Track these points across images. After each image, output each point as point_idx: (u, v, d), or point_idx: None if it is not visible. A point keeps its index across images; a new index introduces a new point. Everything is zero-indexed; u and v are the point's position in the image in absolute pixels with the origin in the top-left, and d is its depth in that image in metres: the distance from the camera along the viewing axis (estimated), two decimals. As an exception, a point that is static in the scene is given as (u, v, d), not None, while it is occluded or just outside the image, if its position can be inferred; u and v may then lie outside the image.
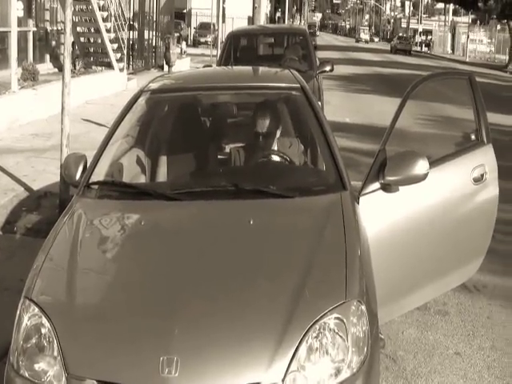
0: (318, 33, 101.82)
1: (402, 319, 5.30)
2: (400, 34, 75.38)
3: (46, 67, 18.37)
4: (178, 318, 2.99)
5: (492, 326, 5.37)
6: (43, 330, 3.03)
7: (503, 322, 5.43)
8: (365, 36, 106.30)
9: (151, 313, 3.06)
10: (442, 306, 5.66)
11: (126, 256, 3.63)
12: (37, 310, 3.11)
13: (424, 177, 4.08)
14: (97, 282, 3.41)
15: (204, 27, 48.55)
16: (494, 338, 5.17)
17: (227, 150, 5.65)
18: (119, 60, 20.19)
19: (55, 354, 2.95)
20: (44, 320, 3.05)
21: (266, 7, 53.87)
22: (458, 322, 5.40)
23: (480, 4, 50.41)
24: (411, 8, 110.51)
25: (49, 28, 19.86)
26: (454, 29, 73.11)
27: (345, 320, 3.02)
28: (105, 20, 19.57)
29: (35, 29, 18.66)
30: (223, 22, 30.48)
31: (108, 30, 19.81)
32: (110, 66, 19.44)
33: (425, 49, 75.18)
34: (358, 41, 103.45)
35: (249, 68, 6.79)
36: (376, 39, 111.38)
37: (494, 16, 52.88)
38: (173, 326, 2.95)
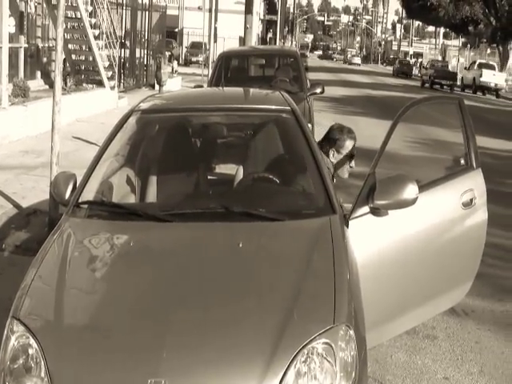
0: (308, 54, 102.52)
1: (391, 343, 5.28)
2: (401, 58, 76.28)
3: (36, 84, 18.37)
4: (166, 340, 2.98)
5: (480, 350, 5.35)
6: (30, 351, 3.01)
7: (492, 347, 5.41)
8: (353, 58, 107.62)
9: (140, 335, 3.05)
10: (431, 330, 5.65)
11: (114, 276, 3.61)
12: (24, 330, 3.08)
13: (413, 201, 4.09)
14: (85, 303, 3.38)
15: (195, 46, 48.69)
16: (483, 362, 5.15)
17: (217, 170, 5.65)
18: (110, 78, 20.18)
19: (42, 374, 2.93)
20: (31, 341, 3.03)
21: (257, 28, 54.24)
22: (447, 347, 5.38)
23: (470, 28, 50.95)
24: (402, 31, 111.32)
25: (40, 44, 19.91)
26: (444, 52, 73.68)
27: (333, 345, 3.01)
28: (96, 38, 19.60)
29: (26, 45, 18.68)
30: (215, 41, 30.65)
31: (99, 48, 19.83)
32: (101, 83, 19.42)
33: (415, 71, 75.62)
34: (345, 61, 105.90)
35: (240, 90, 6.80)
36: (357, 60, 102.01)
37: (484, 40, 53.42)
38: (161, 347, 2.93)
